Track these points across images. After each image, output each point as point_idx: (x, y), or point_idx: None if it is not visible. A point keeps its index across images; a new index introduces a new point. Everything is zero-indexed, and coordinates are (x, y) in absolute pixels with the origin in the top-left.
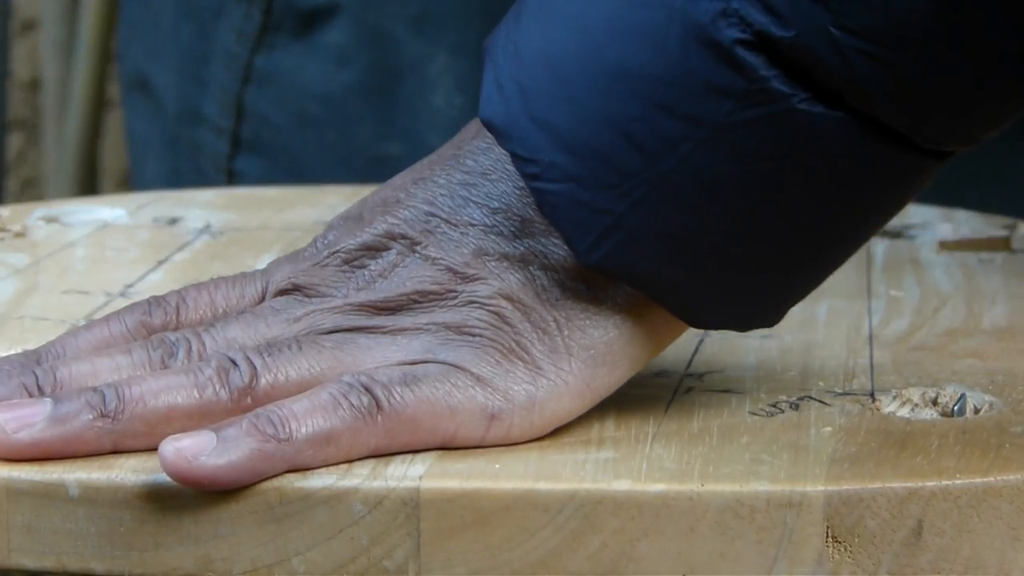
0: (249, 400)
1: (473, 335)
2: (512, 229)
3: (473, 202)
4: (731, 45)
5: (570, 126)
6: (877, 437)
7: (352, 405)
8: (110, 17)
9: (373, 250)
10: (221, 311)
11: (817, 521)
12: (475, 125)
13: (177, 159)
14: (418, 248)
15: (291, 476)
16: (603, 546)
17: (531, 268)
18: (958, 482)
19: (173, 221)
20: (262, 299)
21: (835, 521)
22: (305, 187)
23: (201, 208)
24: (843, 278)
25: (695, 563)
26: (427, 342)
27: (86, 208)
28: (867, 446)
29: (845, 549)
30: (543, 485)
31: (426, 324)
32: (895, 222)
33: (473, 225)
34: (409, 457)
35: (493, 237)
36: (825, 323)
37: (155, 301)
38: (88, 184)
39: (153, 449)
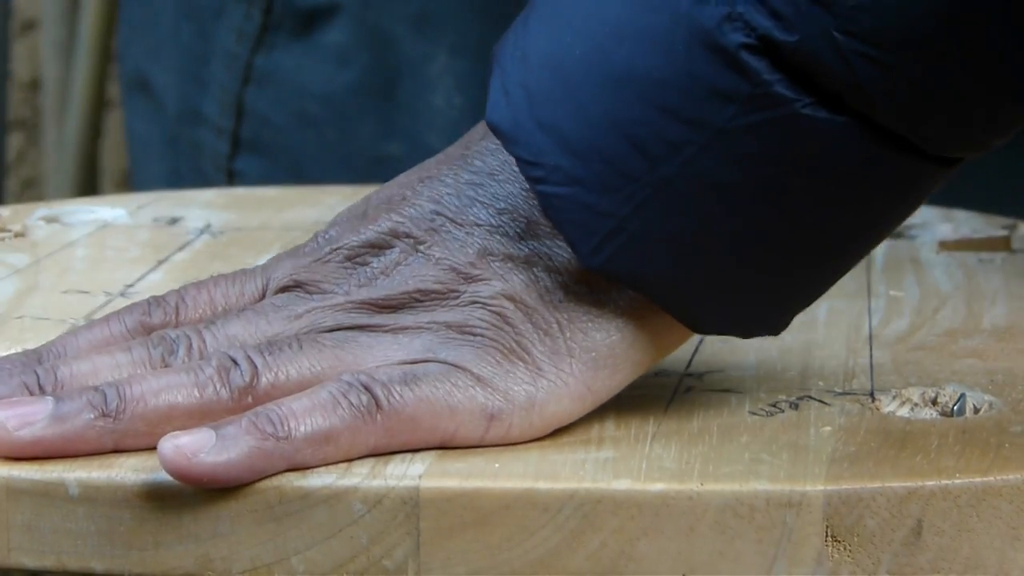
0: (250, 399)
1: (474, 335)
2: (517, 230)
3: (479, 202)
4: (735, 49)
5: (574, 129)
6: (877, 437)
7: (351, 404)
8: (110, 17)
9: (376, 247)
10: (221, 309)
11: (817, 520)
12: (483, 126)
13: (177, 159)
14: (422, 247)
15: (290, 475)
16: (603, 545)
17: (535, 270)
18: (958, 481)
19: (173, 221)
20: (262, 296)
21: (835, 520)
22: (305, 187)
23: (201, 208)
24: (843, 278)
25: (695, 562)
26: (428, 341)
27: (86, 208)
28: (867, 446)
29: (845, 548)
30: (543, 484)
31: (428, 323)
32: None
33: (479, 225)
34: (409, 456)
35: (498, 238)
36: (825, 323)
37: (155, 301)
38: (88, 184)
39: (154, 448)
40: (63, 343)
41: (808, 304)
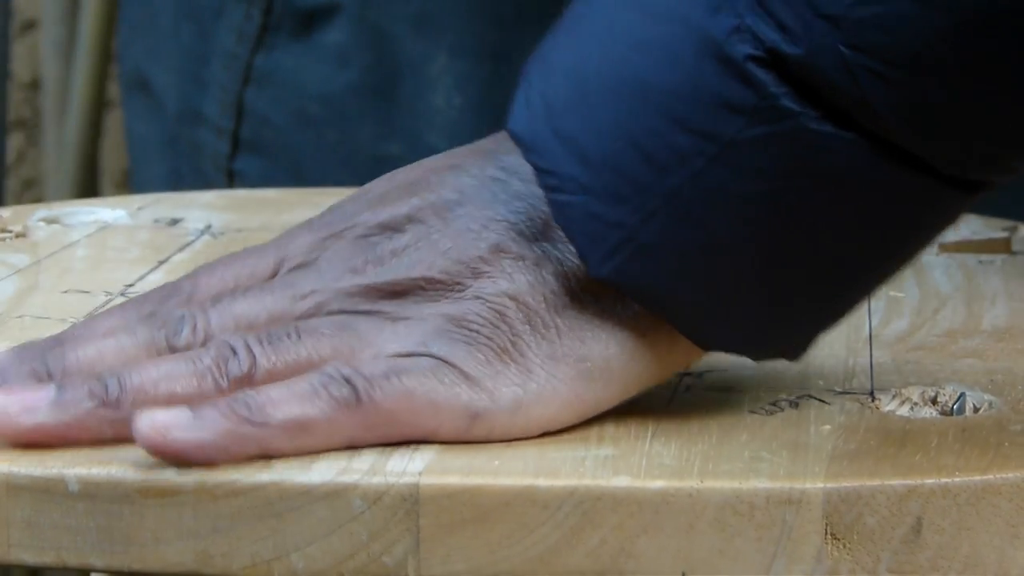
0: (247, 388)
1: (470, 330)
2: (533, 231)
3: (500, 199)
4: (743, 61)
5: (588, 139)
6: (876, 435)
7: (331, 395)
8: (110, 17)
9: (391, 229)
10: (232, 288)
11: (816, 518)
12: None
13: (177, 159)
14: (435, 235)
15: (291, 472)
16: (602, 542)
17: (544, 272)
18: (957, 480)
19: (174, 222)
20: (274, 274)
21: (834, 518)
22: (305, 189)
23: (202, 209)
24: None
25: (694, 560)
26: (424, 334)
27: (87, 209)
28: (866, 444)
29: (844, 546)
30: (543, 481)
31: (428, 315)
32: None
33: (496, 221)
34: (409, 453)
35: (513, 236)
36: None
37: (170, 288)
38: (88, 184)
39: None
40: (84, 327)
41: (823, 329)
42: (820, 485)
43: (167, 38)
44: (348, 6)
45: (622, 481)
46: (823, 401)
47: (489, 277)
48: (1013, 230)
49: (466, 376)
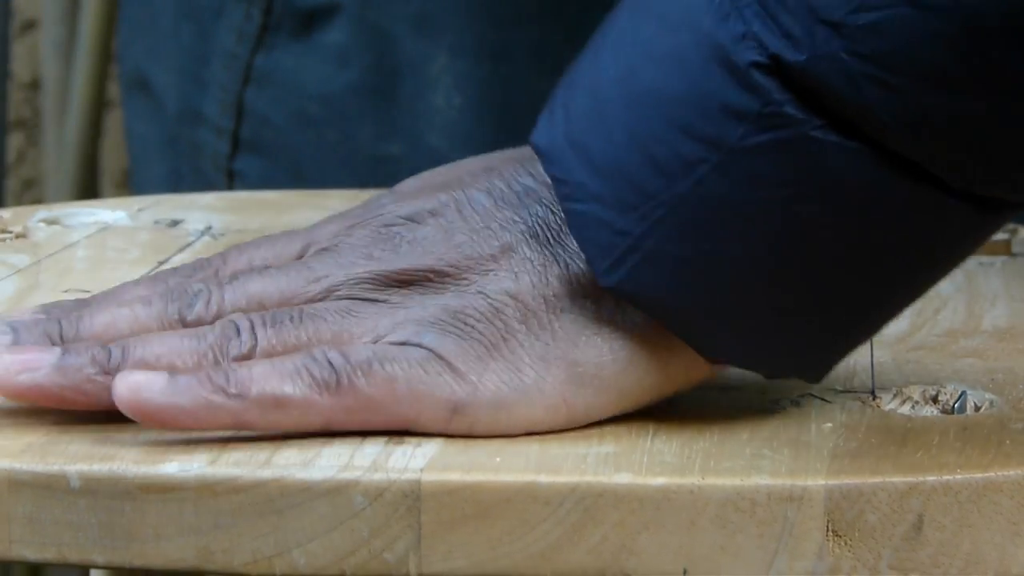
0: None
1: (466, 324)
2: (548, 236)
3: (525, 203)
4: (747, 67)
5: (600, 147)
6: (878, 433)
7: (312, 376)
8: (110, 17)
9: (413, 221)
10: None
11: (818, 515)
12: None
13: (177, 159)
14: (452, 229)
15: (292, 468)
16: (604, 539)
17: (548, 274)
18: (958, 477)
19: (174, 223)
20: (300, 257)
21: (836, 515)
22: (306, 190)
23: (202, 211)
24: None
25: (696, 556)
26: (419, 324)
27: (87, 210)
28: (868, 442)
29: (845, 543)
30: (544, 478)
31: (429, 306)
32: None
33: (514, 223)
34: (410, 450)
35: (527, 238)
36: None
37: (200, 263)
38: (88, 184)
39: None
40: (108, 294)
41: (840, 349)
42: (822, 482)
43: (167, 38)
44: (348, 6)
45: (624, 478)
46: (824, 400)
47: (494, 275)
48: (1013, 232)
49: (452, 368)
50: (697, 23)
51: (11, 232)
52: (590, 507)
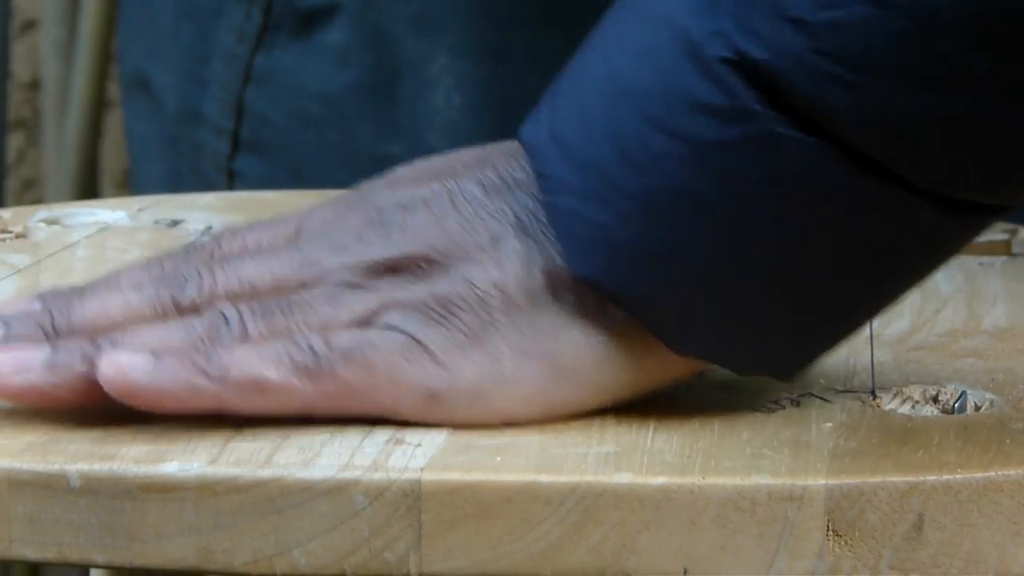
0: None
1: (450, 312)
2: (535, 228)
3: (516, 195)
4: (716, 63)
5: (578, 142)
6: (878, 433)
7: (293, 361)
8: (110, 17)
9: (405, 209)
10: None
11: (818, 515)
12: None
13: (177, 159)
14: (443, 217)
15: (292, 468)
16: (604, 539)
17: (533, 268)
18: (959, 477)
19: (174, 223)
20: (293, 242)
21: (836, 515)
22: (306, 190)
23: (202, 211)
24: None
25: (696, 556)
26: (404, 310)
27: (87, 211)
28: (868, 441)
29: (846, 543)
30: (544, 478)
31: (415, 292)
32: None
33: (504, 213)
34: (411, 449)
35: (515, 230)
36: None
37: (194, 247)
38: (88, 184)
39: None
40: (101, 281)
41: (813, 349)
42: (822, 482)
43: (167, 38)
44: (348, 6)
45: (624, 477)
46: (824, 399)
47: (481, 264)
48: (1013, 232)
49: (432, 357)
50: (674, 19)
51: (11, 232)
52: (590, 507)
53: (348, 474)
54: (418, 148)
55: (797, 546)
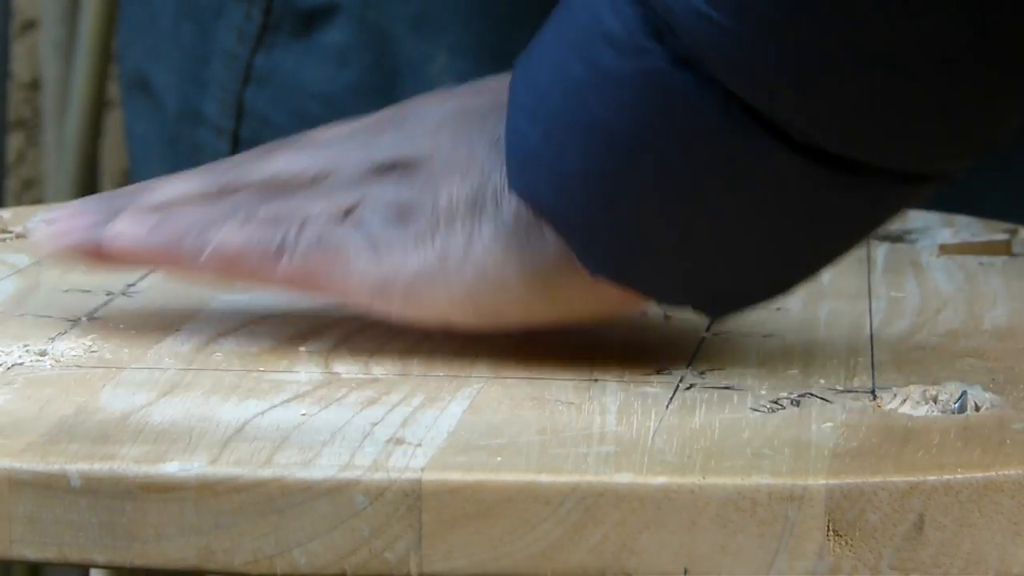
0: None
1: (409, 217)
2: (501, 146)
3: (500, 115)
4: None
5: (534, 66)
6: (878, 433)
7: (263, 243)
8: (110, 17)
9: (417, 118)
10: None
11: (818, 515)
12: None
13: (177, 159)
14: (439, 128)
15: (293, 467)
16: (605, 539)
17: (488, 183)
18: (959, 477)
19: None
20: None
21: (836, 515)
22: None
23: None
24: (844, 280)
25: (696, 556)
26: (375, 209)
27: None
28: (868, 441)
29: (846, 543)
30: (545, 477)
31: (390, 193)
32: (895, 227)
33: (488, 132)
34: (411, 449)
35: (488, 148)
36: (826, 323)
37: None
38: (88, 184)
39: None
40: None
41: (727, 289)
42: (822, 482)
43: (167, 38)
44: (348, 6)
45: (624, 477)
46: (825, 399)
47: (448, 177)
48: (1013, 233)
49: (379, 254)
50: None
51: (11, 232)
52: (591, 507)
53: (348, 474)
54: None
55: (797, 546)
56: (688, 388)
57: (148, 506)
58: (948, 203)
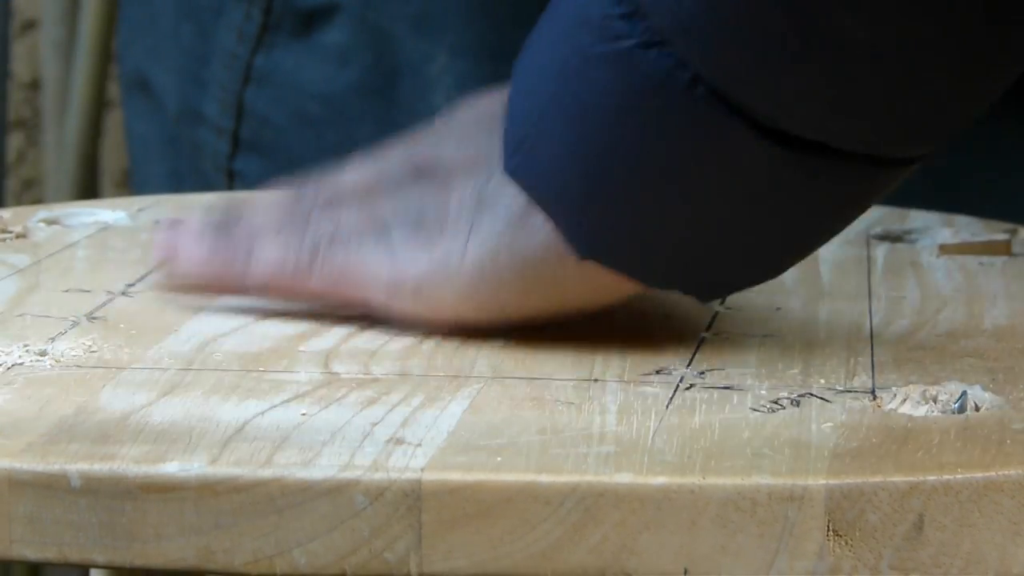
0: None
1: (426, 224)
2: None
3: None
4: None
5: (525, 60)
6: (878, 433)
7: (296, 256)
8: (110, 17)
9: (447, 124)
10: None
11: (818, 515)
12: None
13: (177, 159)
14: (465, 134)
15: (293, 467)
16: (604, 539)
17: (491, 174)
18: (959, 477)
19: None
20: None
21: (836, 515)
22: None
23: (202, 211)
24: (844, 280)
25: (696, 556)
26: (397, 213)
27: (87, 211)
28: (868, 441)
29: (846, 543)
30: (545, 478)
31: (412, 200)
32: (895, 227)
33: (495, 133)
34: (411, 449)
35: (495, 149)
36: (826, 323)
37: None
38: (88, 184)
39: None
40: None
41: (711, 273)
42: (822, 482)
43: (167, 38)
44: (348, 6)
45: (624, 478)
46: (825, 399)
47: (461, 177)
48: (1014, 233)
49: (394, 256)
50: None
51: (11, 232)
52: (591, 507)
53: (348, 474)
54: None
55: (797, 546)
56: (688, 388)
57: (148, 506)
58: (948, 203)
